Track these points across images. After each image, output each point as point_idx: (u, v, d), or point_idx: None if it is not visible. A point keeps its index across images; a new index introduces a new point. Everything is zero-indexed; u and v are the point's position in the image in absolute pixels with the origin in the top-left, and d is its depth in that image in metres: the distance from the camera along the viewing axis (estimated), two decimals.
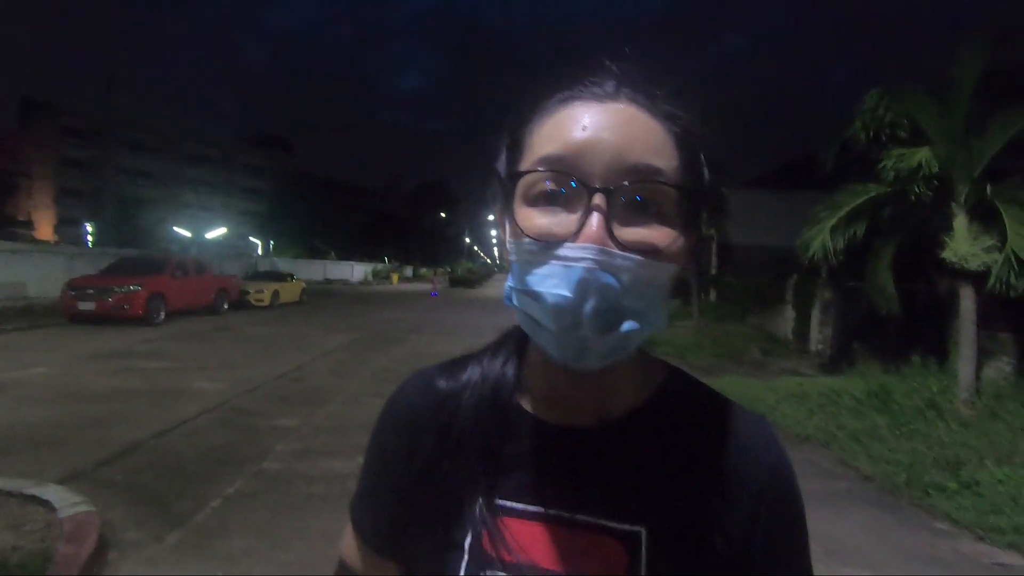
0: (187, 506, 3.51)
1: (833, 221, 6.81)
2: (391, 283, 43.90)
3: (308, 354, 9.25)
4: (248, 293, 17.16)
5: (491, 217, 0.62)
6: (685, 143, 0.49)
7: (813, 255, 6.93)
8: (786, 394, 6.61)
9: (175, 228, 32.79)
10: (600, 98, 0.49)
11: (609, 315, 0.45)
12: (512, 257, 0.50)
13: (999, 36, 5.97)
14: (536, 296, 0.46)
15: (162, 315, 12.58)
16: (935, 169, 6.05)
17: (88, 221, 32.34)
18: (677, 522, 0.50)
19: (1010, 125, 5.77)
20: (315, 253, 46.55)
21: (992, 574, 3.17)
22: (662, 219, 0.47)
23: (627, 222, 0.46)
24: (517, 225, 0.48)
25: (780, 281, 12.72)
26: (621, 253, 0.45)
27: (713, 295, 17.56)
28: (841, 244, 6.78)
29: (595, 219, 0.44)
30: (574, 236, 0.45)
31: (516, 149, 0.52)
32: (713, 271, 19.01)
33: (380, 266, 51.72)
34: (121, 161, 47.60)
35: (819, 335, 10.84)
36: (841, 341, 10.03)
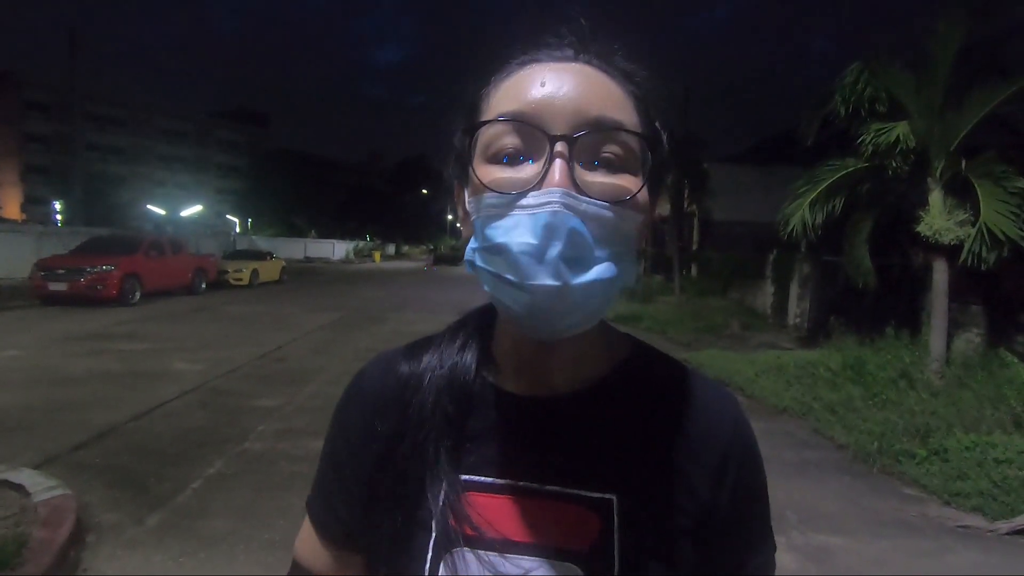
0: (167, 488, 3.47)
1: (812, 196, 6.85)
2: (373, 261, 43.51)
3: (289, 333, 9.16)
4: (226, 272, 16.86)
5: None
6: (643, 104, 0.50)
7: (792, 230, 6.99)
8: (765, 367, 6.73)
9: (149, 206, 31.91)
10: (558, 59, 0.49)
11: (576, 261, 0.43)
12: (473, 216, 0.49)
13: (977, 10, 5.97)
14: (500, 249, 0.44)
15: (137, 295, 12.32)
16: (912, 144, 6.10)
17: (56, 199, 31.30)
18: (647, 488, 0.51)
19: (985, 100, 5.82)
20: (295, 231, 45.83)
21: (957, 536, 3.30)
22: (624, 167, 0.47)
23: (590, 170, 0.46)
24: (478, 180, 0.47)
25: (760, 256, 12.87)
26: (586, 198, 0.44)
27: (694, 270, 17.73)
28: (820, 219, 6.84)
29: (558, 165, 0.44)
30: (537, 185, 0.44)
31: (474, 111, 0.51)
32: (695, 246, 19.16)
33: (362, 244, 51.16)
34: (90, 136, 45.86)
35: (797, 309, 11.03)
36: (818, 315, 10.23)
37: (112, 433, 4.40)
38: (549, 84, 0.46)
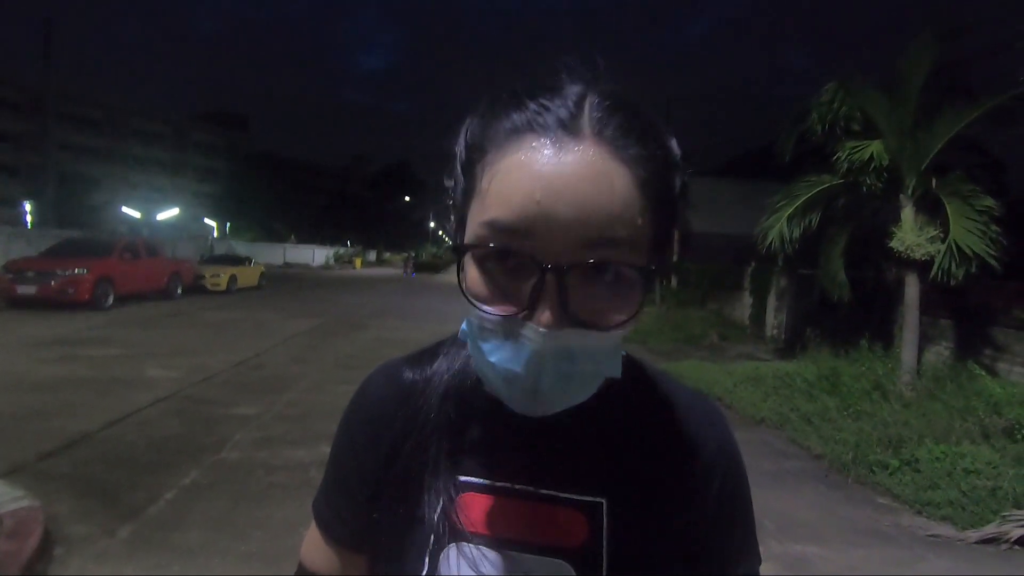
0: (140, 498, 3.38)
1: (790, 211, 7.01)
2: (354, 267, 43.09)
3: (268, 340, 9.02)
4: (204, 277, 16.55)
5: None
6: (656, 187, 0.45)
7: (771, 243, 7.14)
8: (743, 378, 6.83)
9: (124, 209, 31.23)
10: (556, 134, 0.43)
11: (561, 384, 0.45)
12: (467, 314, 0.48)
13: (947, 32, 6.20)
14: (487, 363, 0.46)
15: (110, 300, 12.02)
16: (885, 162, 6.29)
17: (27, 200, 30.47)
18: (636, 493, 0.54)
19: (954, 121, 6.04)
20: (274, 236, 45.19)
21: (927, 545, 3.38)
22: (622, 288, 0.44)
23: (583, 296, 0.43)
24: (467, 293, 0.46)
25: (738, 268, 13.09)
26: (575, 332, 0.43)
27: (675, 282, 17.93)
28: (797, 233, 7.00)
29: (546, 302, 0.43)
30: (527, 310, 0.43)
31: (469, 176, 0.47)
32: (675, 258, 19.39)
33: (342, 250, 50.67)
34: (62, 136, 44.69)
35: (775, 321, 11.23)
36: (795, 327, 10.42)
37: (82, 442, 4.27)
38: (543, 195, 0.41)
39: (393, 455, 0.58)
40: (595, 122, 0.43)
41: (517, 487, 0.54)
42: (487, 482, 0.54)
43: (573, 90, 0.45)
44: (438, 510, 0.53)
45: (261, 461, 4.05)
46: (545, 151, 0.43)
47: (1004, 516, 3.48)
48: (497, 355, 0.45)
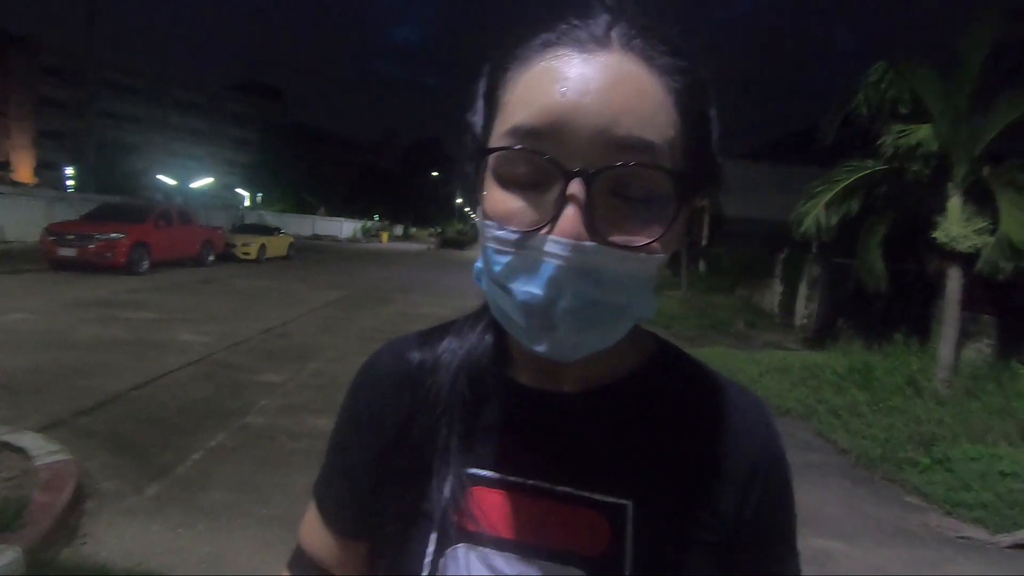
0: (168, 458, 3.49)
1: (828, 196, 6.76)
2: (381, 241, 43.53)
3: (295, 310, 9.17)
4: (234, 246, 16.88)
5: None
6: (688, 101, 0.42)
7: (806, 230, 6.91)
8: (769, 367, 6.69)
9: (160, 176, 31.99)
10: (586, 46, 0.41)
11: (584, 314, 0.40)
12: (481, 239, 0.45)
13: (1012, 12, 5.81)
14: (504, 289, 0.42)
15: (146, 265, 12.36)
16: (934, 148, 5.97)
17: (69, 165, 31.41)
18: (665, 496, 0.48)
19: (1015, 106, 5.69)
20: (304, 207, 45.83)
21: (957, 547, 3.27)
22: (652, 204, 0.41)
23: (611, 208, 0.40)
24: (485, 208, 0.43)
25: (770, 255, 12.75)
26: (600, 247, 0.39)
27: (703, 266, 17.61)
28: (835, 220, 6.75)
29: (571, 210, 0.39)
30: (549, 224, 0.39)
31: (491, 103, 0.45)
32: (704, 242, 19.02)
33: (370, 223, 51.17)
34: (104, 104, 45.89)
35: (805, 310, 10.94)
36: (826, 317, 10.14)
37: (116, 400, 4.42)
38: (571, 91, 0.39)
39: (399, 439, 0.53)
40: (624, 36, 0.41)
41: (530, 482, 0.48)
42: (499, 476, 0.49)
43: (603, 16, 0.43)
44: (444, 504, 0.48)
45: (284, 428, 4.14)
46: (573, 59, 0.41)
47: None
48: (513, 279, 0.41)
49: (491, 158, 0.42)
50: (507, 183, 0.42)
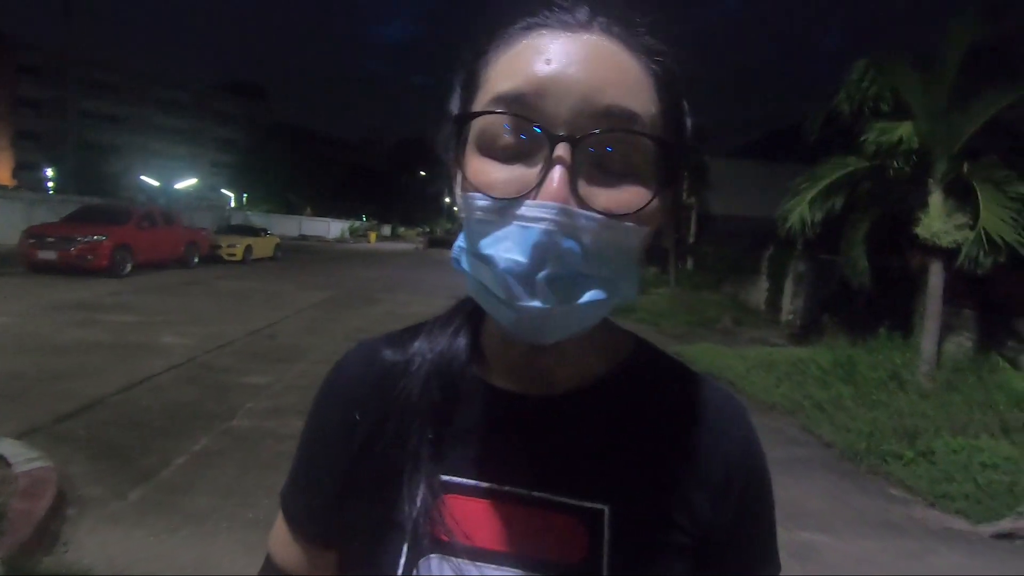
0: (152, 463, 3.44)
1: (812, 193, 6.82)
2: (368, 241, 43.27)
3: (281, 311, 9.09)
4: (220, 247, 16.70)
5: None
6: (666, 85, 0.43)
7: (791, 227, 6.97)
8: (756, 363, 6.74)
9: (142, 177, 31.54)
10: (569, 27, 0.42)
11: (568, 284, 0.39)
12: (462, 214, 0.43)
13: (990, 9, 5.90)
14: (486, 260, 0.40)
15: (128, 267, 12.17)
16: (915, 144, 6.05)
17: (48, 166, 30.87)
18: (642, 500, 0.47)
19: (993, 102, 5.77)
20: (290, 208, 45.45)
21: (940, 538, 3.32)
22: (635, 174, 0.41)
23: (595, 177, 0.40)
24: (468, 177, 0.42)
25: (756, 252, 12.87)
26: (586, 213, 0.39)
27: (690, 263, 17.73)
28: (819, 217, 6.81)
29: (557, 173, 0.38)
30: (533, 192, 0.39)
31: (471, 85, 0.45)
32: (691, 239, 19.14)
33: (357, 223, 50.87)
34: (84, 103, 45.08)
35: (791, 306, 11.06)
36: (811, 313, 10.25)
37: (98, 405, 4.35)
38: (555, 61, 0.40)
39: (367, 445, 0.51)
40: (605, 23, 0.43)
41: (506, 489, 0.47)
42: (472, 482, 0.48)
43: (584, 6, 0.44)
44: (416, 514, 0.46)
45: (271, 430, 4.09)
46: (557, 36, 0.42)
47: (1020, 512, 3.41)
48: (496, 247, 0.40)
49: (473, 128, 0.42)
50: (490, 152, 0.41)
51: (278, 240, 20.41)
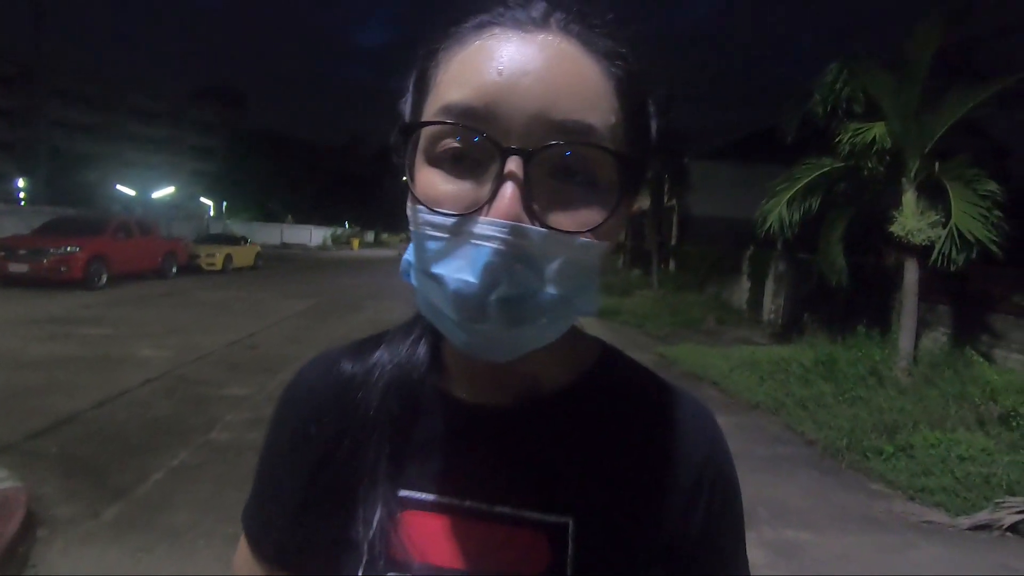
0: (127, 479, 3.35)
1: (790, 194, 6.92)
2: (351, 248, 42.94)
3: (263, 320, 8.96)
4: (199, 257, 16.44)
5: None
6: (628, 89, 0.41)
7: (770, 227, 7.06)
8: (739, 362, 6.81)
9: (118, 186, 30.95)
10: (524, 26, 0.39)
11: (522, 304, 0.38)
12: (411, 226, 0.42)
13: (956, 12, 6.05)
14: (436, 279, 0.39)
15: (104, 279, 11.91)
16: (888, 145, 6.18)
17: (19, 176, 30.14)
18: (608, 512, 0.46)
19: (961, 103, 5.92)
20: (271, 216, 44.90)
21: (920, 531, 3.37)
22: (593, 188, 0.39)
23: (550, 192, 0.38)
24: (416, 190, 0.40)
25: (737, 252, 13.01)
26: (539, 230, 0.37)
27: (673, 265, 17.88)
28: (797, 217, 6.91)
29: (509, 189, 0.37)
30: (484, 208, 0.37)
31: (422, 88, 0.43)
32: (673, 241, 19.32)
33: (340, 230, 50.42)
34: (55, 112, 44.16)
35: (772, 305, 11.19)
36: (792, 311, 10.38)
37: (72, 421, 4.23)
38: (507, 70, 0.37)
39: (324, 460, 0.49)
40: (563, 20, 0.40)
41: (467, 504, 0.46)
42: (432, 498, 0.46)
43: (540, 3, 0.41)
44: (373, 531, 0.45)
45: (251, 443, 4.01)
46: (511, 38, 0.39)
47: (997, 503, 3.47)
48: (445, 267, 0.38)
49: (422, 137, 0.40)
50: (439, 164, 0.39)
51: (259, 249, 20.14)
